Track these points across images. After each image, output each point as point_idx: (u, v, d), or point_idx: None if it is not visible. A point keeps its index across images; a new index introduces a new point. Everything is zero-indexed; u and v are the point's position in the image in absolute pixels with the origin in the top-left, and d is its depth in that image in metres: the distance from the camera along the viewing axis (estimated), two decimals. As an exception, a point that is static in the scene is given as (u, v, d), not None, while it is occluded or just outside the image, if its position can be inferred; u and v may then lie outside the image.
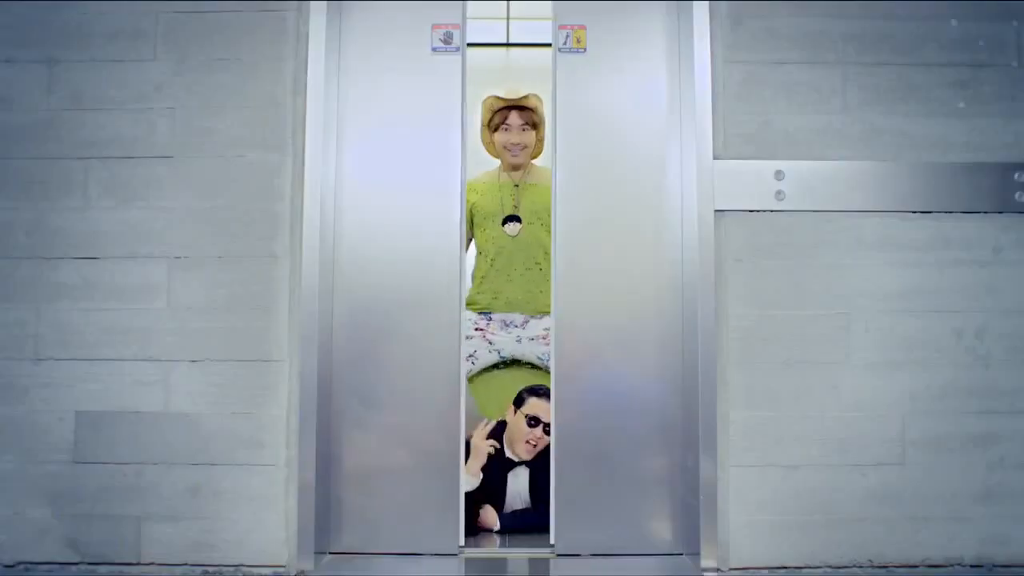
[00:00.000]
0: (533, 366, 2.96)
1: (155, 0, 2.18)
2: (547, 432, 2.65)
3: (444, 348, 2.25)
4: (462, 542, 2.23)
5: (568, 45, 2.29)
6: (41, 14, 2.19)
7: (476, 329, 2.88)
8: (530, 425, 2.67)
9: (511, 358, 2.93)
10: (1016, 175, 2.14)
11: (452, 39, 2.29)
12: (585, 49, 2.30)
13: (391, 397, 2.25)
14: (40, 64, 2.17)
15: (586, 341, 2.27)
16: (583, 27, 2.30)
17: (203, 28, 2.18)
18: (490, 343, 2.88)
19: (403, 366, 2.26)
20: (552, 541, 2.25)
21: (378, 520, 2.23)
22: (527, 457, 2.69)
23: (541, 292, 2.88)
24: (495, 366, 2.96)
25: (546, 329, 2.85)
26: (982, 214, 2.15)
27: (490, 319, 2.89)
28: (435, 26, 2.30)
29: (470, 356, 2.86)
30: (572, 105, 2.30)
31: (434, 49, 2.29)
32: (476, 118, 3.03)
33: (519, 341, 2.88)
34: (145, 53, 2.17)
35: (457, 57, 2.30)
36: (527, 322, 2.88)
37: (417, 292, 2.26)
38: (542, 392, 2.69)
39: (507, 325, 2.89)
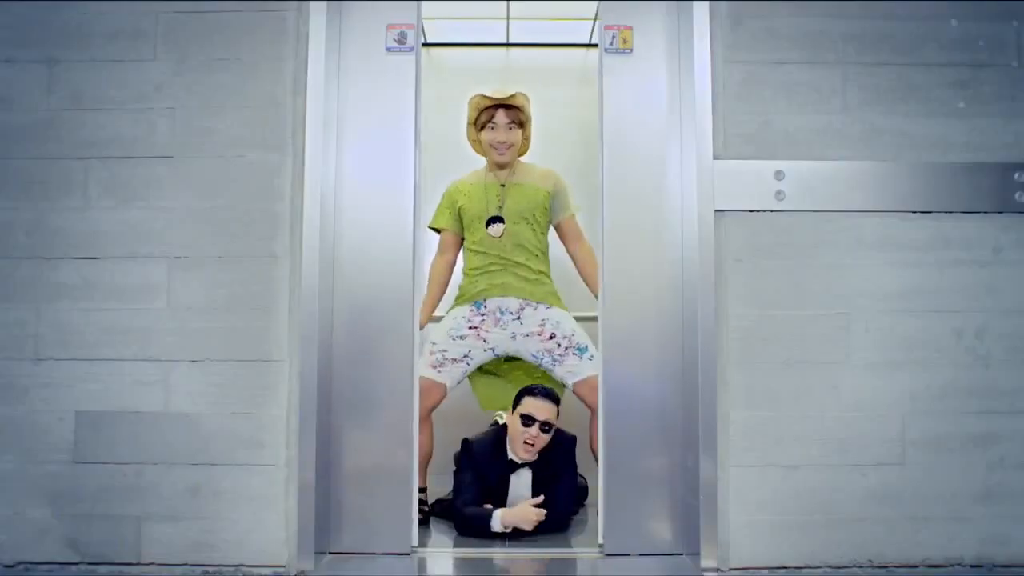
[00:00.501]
0: (520, 364, 2.94)
1: (155, 0, 2.18)
2: (543, 430, 2.66)
3: (398, 352, 2.25)
4: (415, 542, 2.25)
5: (615, 46, 2.29)
6: (41, 14, 2.19)
7: (470, 328, 2.83)
8: (525, 424, 2.66)
9: (506, 355, 2.90)
10: (1016, 175, 2.14)
11: (406, 39, 2.29)
12: (632, 50, 2.29)
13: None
14: (40, 64, 2.17)
15: (631, 341, 2.26)
16: (629, 28, 2.30)
17: (203, 28, 2.18)
18: (484, 341, 2.83)
19: (373, 369, 2.27)
20: (600, 540, 2.27)
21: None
22: (528, 458, 2.69)
23: (534, 280, 2.85)
24: (492, 363, 2.94)
25: (541, 323, 2.82)
26: (982, 214, 2.15)
27: (484, 315, 2.84)
28: (389, 26, 2.29)
29: (465, 356, 2.82)
30: (620, 106, 2.29)
31: (388, 49, 2.29)
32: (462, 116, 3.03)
33: (514, 338, 2.83)
34: (145, 53, 2.17)
35: (411, 57, 2.30)
36: (522, 310, 2.83)
37: (377, 298, 2.25)
38: (537, 391, 2.69)
39: (500, 318, 2.83)
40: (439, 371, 2.80)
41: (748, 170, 2.14)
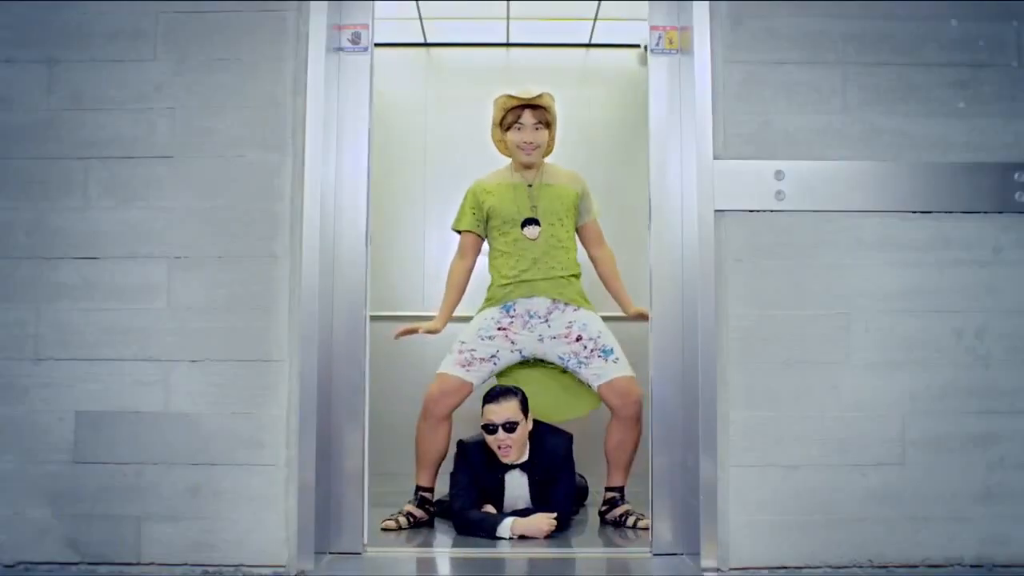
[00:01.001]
0: (554, 366, 2.91)
1: (155, 0, 2.18)
2: (508, 430, 2.60)
3: (350, 352, 2.24)
4: (366, 540, 2.25)
5: (660, 46, 2.29)
6: (41, 14, 2.19)
7: (499, 329, 2.81)
8: (490, 433, 2.63)
9: (533, 358, 2.88)
10: (1016, 175, 2.14)
11: (360, 39, 2.29)
12: (679, 50, 2.29)
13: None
14: (40, 64, 2.17)
15: (681, 343, 2.26)
16: (675, 28, 2.30)
17: (203, 28, 2.18)
18: (512, 343, 2.81)
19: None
20: (650, 539, 2.28)
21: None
22: (514, 458, 2.66)
23: (564, 282, 2.83)
24: (518, 365, 2.91)
25: (568, 326, 2.80)
26: (982, 214, 2.15)
27: (512, 317, 2.82)
28: (343, 27, 2.29)
29: (492, 356, 2.81)
30: (665, 107, 2.30)
31: (343, 49, 2.29)
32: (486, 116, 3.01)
33: (541, 340, 2.81)
34: (145, 53, 2.17)
35: (366, 57, 2.29)
36: (551, 313, 2.81)
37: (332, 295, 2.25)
38: (493, 395, 2.66)
39: (529, 321, 2.81)
40: (467, 370, 2.79)
41: (748, 170, 2.14)
